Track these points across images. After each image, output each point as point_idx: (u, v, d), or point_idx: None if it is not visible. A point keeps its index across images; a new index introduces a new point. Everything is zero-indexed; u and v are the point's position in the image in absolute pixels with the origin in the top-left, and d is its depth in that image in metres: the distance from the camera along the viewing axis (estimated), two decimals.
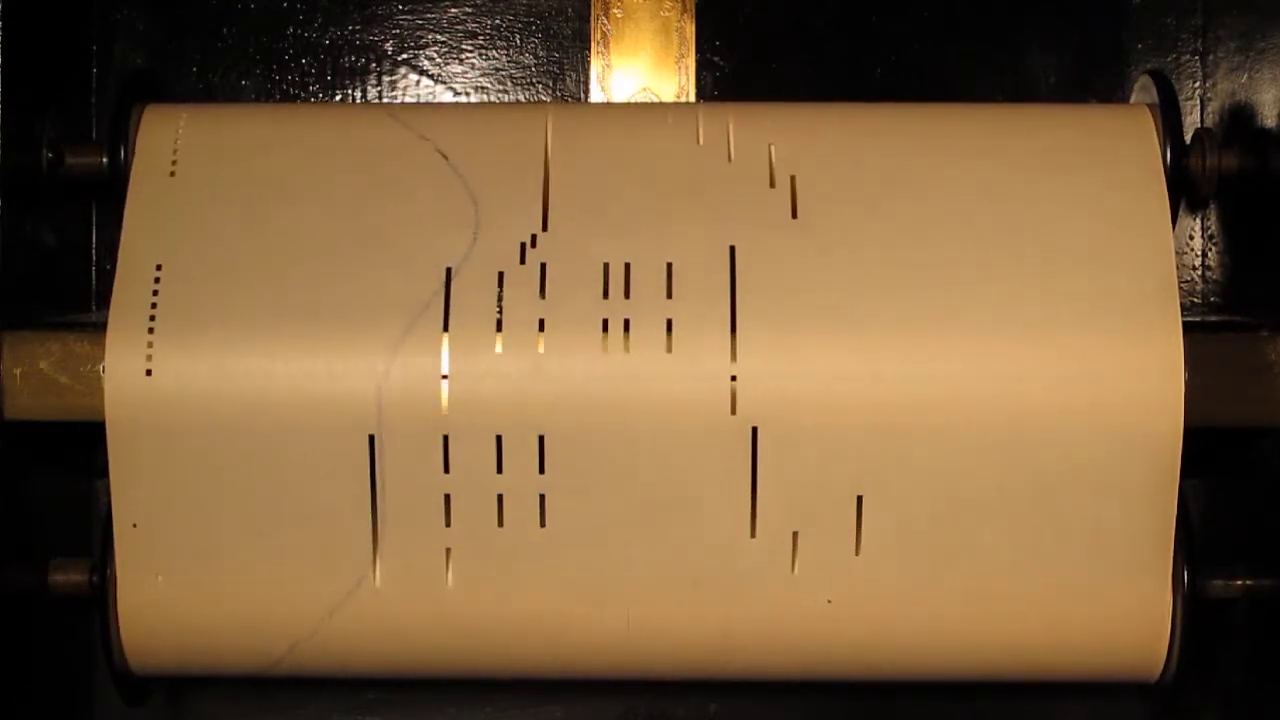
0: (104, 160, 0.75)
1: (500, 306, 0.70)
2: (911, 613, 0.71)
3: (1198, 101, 0.82)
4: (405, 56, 0.84)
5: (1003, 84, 0.83)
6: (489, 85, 0.84)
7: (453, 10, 0.84)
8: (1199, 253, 0.82)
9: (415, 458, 0.70)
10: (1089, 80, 0.83)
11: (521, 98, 0.84)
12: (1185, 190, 0.75)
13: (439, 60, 0.84)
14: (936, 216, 0.72)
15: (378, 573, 0.71)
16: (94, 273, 0.82)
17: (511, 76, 0.84)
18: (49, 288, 0.78)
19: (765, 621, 0.72)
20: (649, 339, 0.70)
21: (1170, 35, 0.83)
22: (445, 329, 0.70)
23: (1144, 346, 0.69)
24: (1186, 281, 0.82)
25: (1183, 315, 0.70)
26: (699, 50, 0.84)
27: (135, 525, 0.71)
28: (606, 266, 0.70)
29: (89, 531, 0.81)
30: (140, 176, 0.74)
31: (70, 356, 0.72)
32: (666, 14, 0.83)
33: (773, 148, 0.73)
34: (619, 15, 0.84)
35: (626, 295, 0.70)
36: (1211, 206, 0.81)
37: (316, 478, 0.70)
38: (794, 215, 0.72)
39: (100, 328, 0.71)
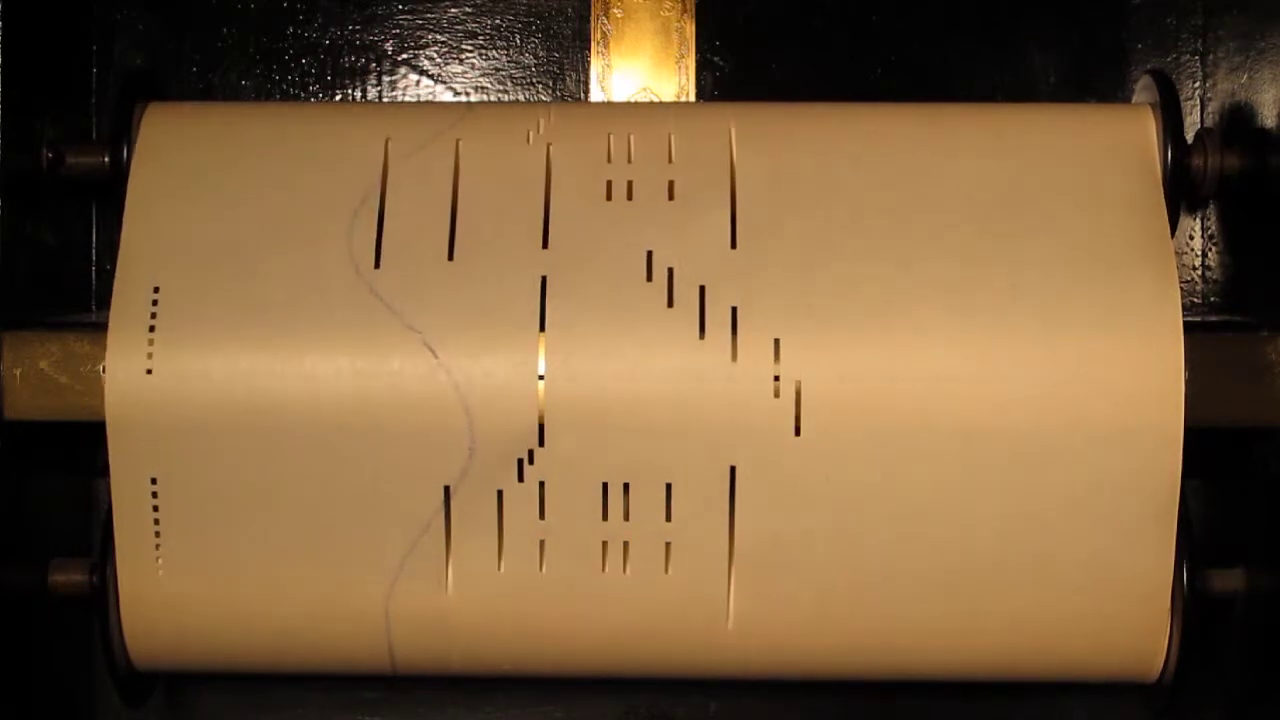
0: (105, 160, 0.75)
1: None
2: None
3: (1198, 101, 0.82)
4: (405, 56, 0.84)
5: (1003, 84, 0.83)
6: (489, 85, 0.84)
7: (453, 10, 0.84)
8: (1199, 253, 0.82)
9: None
10: (1089, 80, 0.83)
11: (521, 98, 0.84)
12: (1186, 190, 0.75)
13: (439, 60, 0.84)
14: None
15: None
16: (94, 273, 0.82)
17: (511, 76, 0.84)
18: (49, 288, 0.78)
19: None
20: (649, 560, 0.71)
21: (1170, 35, 0.83)
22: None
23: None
24: (1186, 281, 0.82)
25: (1183, 315, 0.70)
26: (699, 50, 0.84)
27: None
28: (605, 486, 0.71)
29: (89, 531, 0.81)
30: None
31: (70, 356, 0.72)
32: (666, 14, 0.83)
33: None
34: (619, 15, 0.84)
35: (626, 518, 0.71)
36: (1211, 206, 0.81)
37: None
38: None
39: (100, 328, 0.71)
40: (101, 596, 0.73)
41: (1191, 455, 0.70)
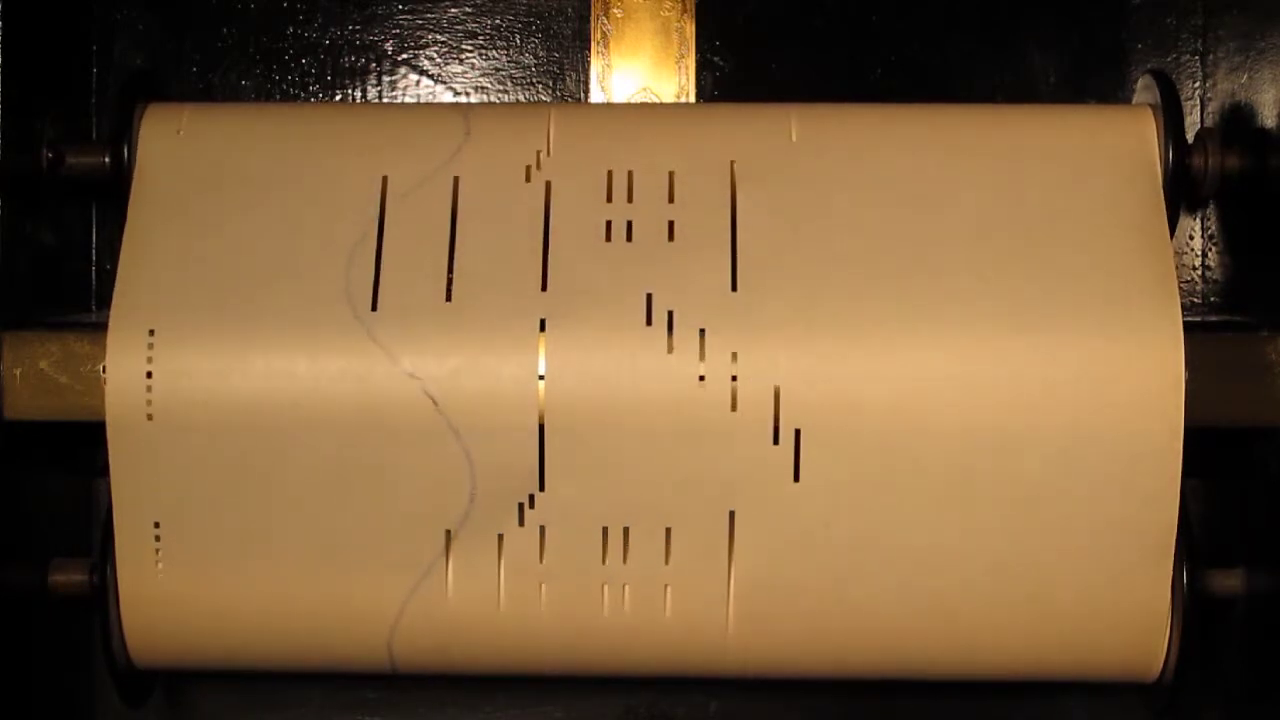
0: (105, 160, 0.75)
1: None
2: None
3: (1198, 101, 0.82)
4: (405, 56, 0.84)
5: (1003, 84, 0.83)
6: (489, 85, 0.84)
7: (453, 10, 0.84)
8: (1199, 253, 0.82)
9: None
10: (1089, 80, 0.83)
11: (521, 98, 0.84)
12: (1186, 190, 0.75)
13: (439, 60, 0.84)
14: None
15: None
16: (94, 273, 0.82)
17: (511, 76, 0.84)
18: (49, 288, 0.78)
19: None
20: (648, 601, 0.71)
21: (1170, 35, 0.83)
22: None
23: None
24: (1186, 281, 0.82)
25: (1183, 315, 0.70)
26: (699, 50, 0.84)
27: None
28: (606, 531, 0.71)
29: (89, 531, 0.81)
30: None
31: (70, 356, 0.72)
32: (666, 14, 0.83)
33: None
34: (619, 15, 0.84)
35: (625, 561, 0.71)
36: (1211, 206, 0.81)
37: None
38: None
39: (100, 328, 0.71)
40: (101, 596, 0.73)
41: (1191, 455, 0.70)
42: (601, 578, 0.71)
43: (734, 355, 0.70)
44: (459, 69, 0.84)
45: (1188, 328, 0.70)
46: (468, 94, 0.84)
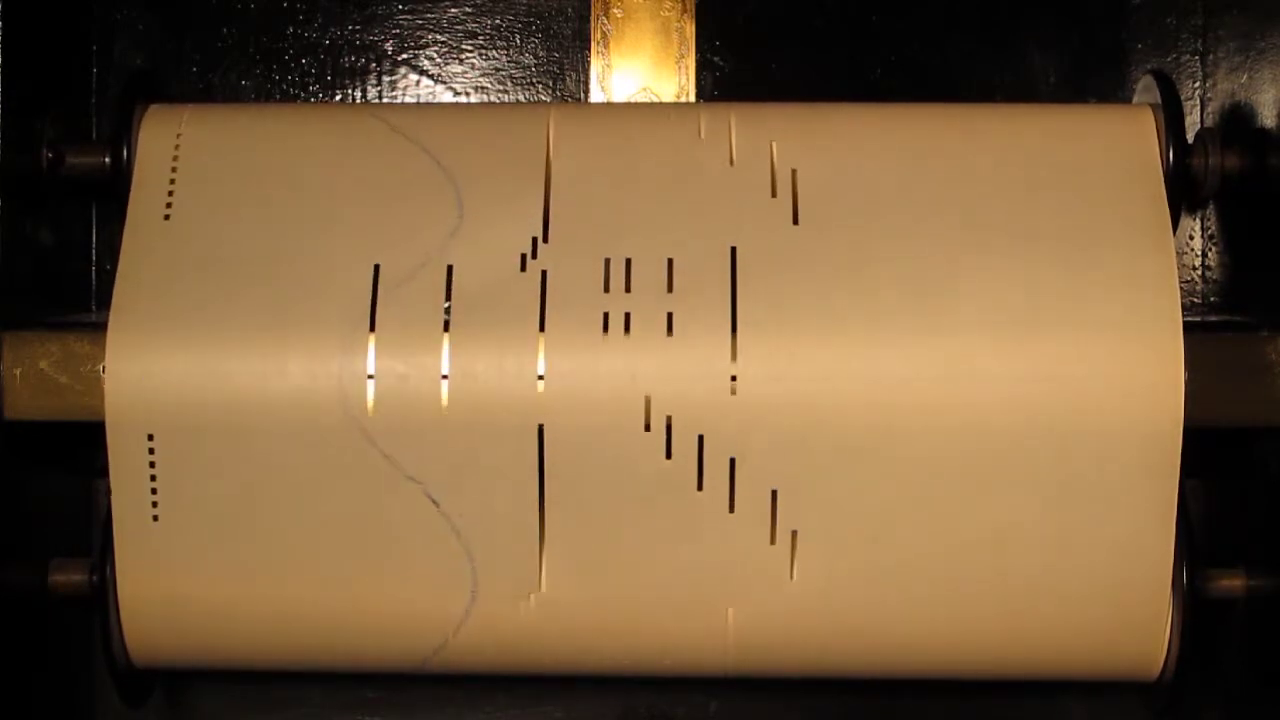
0: (105, 160, 0.75)
1: None
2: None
3: (1198, 101, 0.82)
4: (405, 56, 0.84)
5: (1003, 84, 0.83)
6: (489, 85, 0.84)
7: (453, 10, 0.84)
8: (1199, 253, 0.82)
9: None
10: (1089, 80, 0.83)
11: (521, 98, 0.84)
12: (1186, 190, 0.75)
13: (439, 60, 0.84)
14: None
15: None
16: (94, 273, 0.82)
17: (511, 76, 0.84)
18: (49, 288, 0.78)
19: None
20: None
21: (1170, 35, 0.83)
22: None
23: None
24: (1186, 281, 0.82)
25: (1183, 315, 0.70)
26: (699, 50, 0.84)
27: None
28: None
29: (89, 531, 0.81)
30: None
31: (70, 356, 0.72)
32: (666, 14, 0.83)
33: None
34: (619, 15, 0.84)
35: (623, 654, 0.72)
36: (1211, 206, 0.81)
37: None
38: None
39: (100, 328, 0.71)
40: (101, 596, 0.73)
41: (1191, 455, 0.70)
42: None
43: (731, 462, 0.70)
44: (459, 69, 0.84)
45: (1188, 328, 0.70)
46: (468, 94, 0.84)
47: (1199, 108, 0.82)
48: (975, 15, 0.84)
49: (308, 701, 0.84)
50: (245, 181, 0.73)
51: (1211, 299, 0.81)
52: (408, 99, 0.84)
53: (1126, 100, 0.82)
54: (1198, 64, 0.82)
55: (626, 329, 0.70)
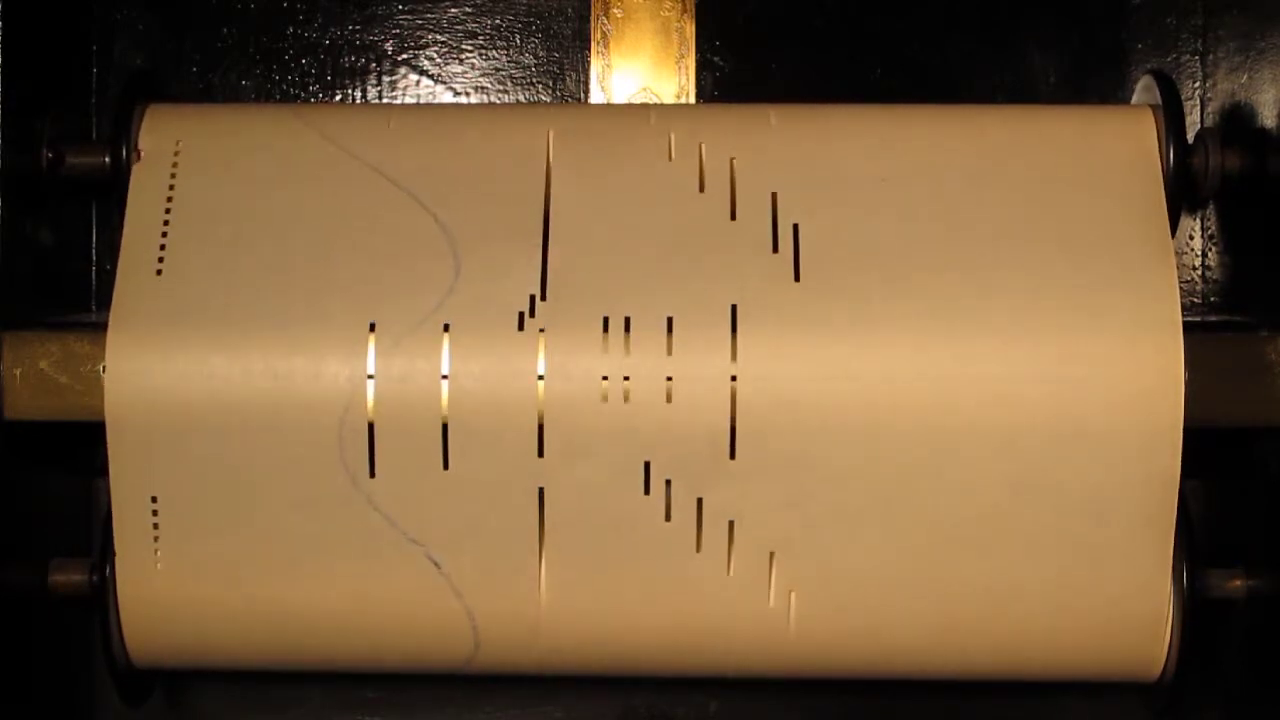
0: (105, 160, 0.75)
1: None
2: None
3: (1198, 101, 0.82)
4: (405, 56, 0.84)
5: (1003, 84, 0.83)
6: (489, 85, 0.84)
7: (453, 10, 0.84)
8: (1199, 253, 0.82)
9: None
10: (1089, 80, 0.83)
11: (521, 98, 0.84)
12: (1186, 190, 0.75)
13: (439, 60, 0.84)
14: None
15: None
16: (94, 273, 0.82)
17: (511, 76, 0.84)
18: (49, 288, 0.78)
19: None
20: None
21: (1170, 35, 0.83)
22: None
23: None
24: (1186, 281, 0.82)
25: (1183, 315, 0.70)
26: (699, 50, 0.84)
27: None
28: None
29: (89, 531, 0.81)
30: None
31: (70, 356, 0.72)
32: (666, 14, 0.83)
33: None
34: (619, 15, 0.84)
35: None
36: (1211, 206, 0.81)
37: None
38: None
39: (100, 328, 0.71)
40: (101, 596, 0.73)
41: (1191, 455, 0.70)
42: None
43: (730, 525, 0.70)
44: (459, 69, 0.84)
45: (1188, 328, 0.70)
46: (468, 94, 0.84)
47: (1199, 108, 0.82)
48: (975, 15, 0.84)
49: (308, 701, 0.84)
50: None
51: (1211, 299, 0.81)
52: (408, 99, 0.84)
53: (1126, 100, 0.82)
54: (1198, 64, 0.82)
55: (626, 396, 0.70)
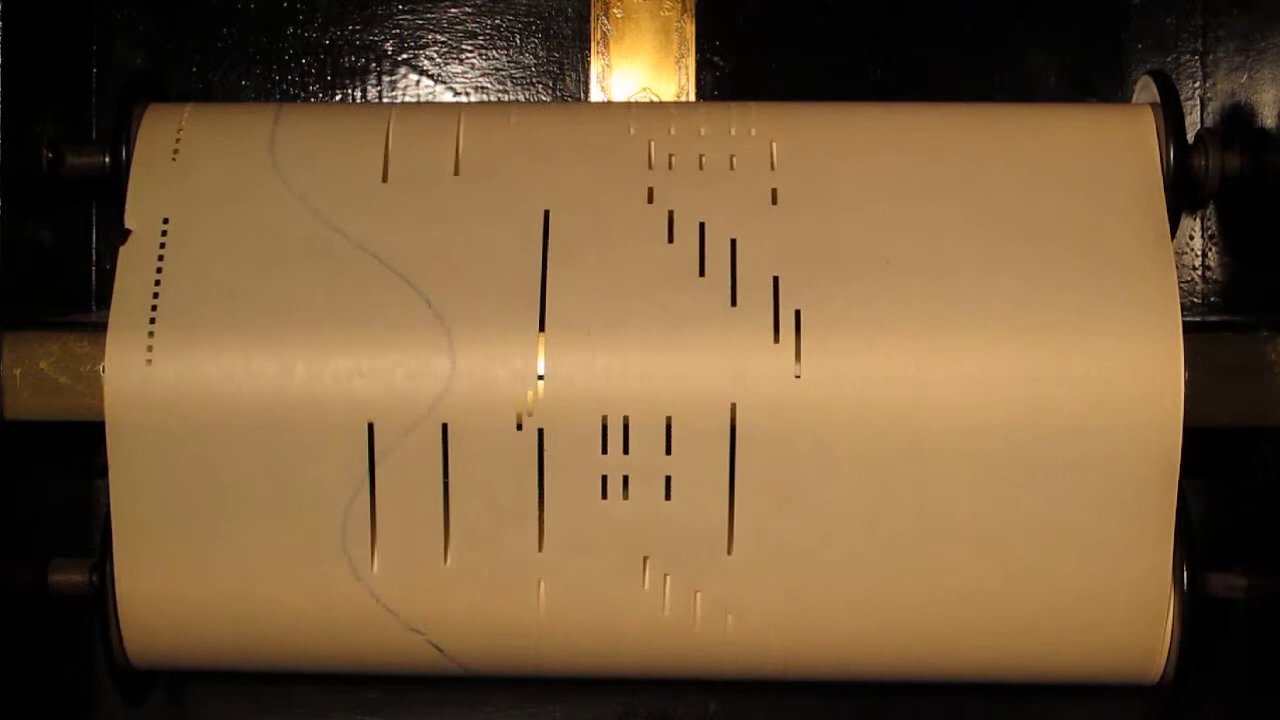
0: (105, 160, 0.75)
1: None
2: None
3: (1198, 101, 0.82)
4: (405, 56, 0.84)
5: (1003, 84, 0.83)
6: (489, 85, 0.84)
7: (453, 10, 0.84)
8: (1199, 253, 0.82)
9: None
10: (1089, 80, 0.83)
11: (521, 97, 0.84)
12: (1187, 190, 0.75)
13: (439, 60, 0.84)
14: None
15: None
16: (94, 273, 0.82)
17: (511, 76, 0.84)
18: (49, 288, 0.78)
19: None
20: None
21: (1170, 35, 0.83)
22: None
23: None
24: (1186, 281, 0.82)
25: (1183, 315, 0.70)
26: (699, 50, 0.84)
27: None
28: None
29: (89, 531, 0.81)
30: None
31: (70, 356, 0.72)
32: (666, 14, 0.83)
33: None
34: (619, 15, 0.84)
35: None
36: (1211, 206, 0.81)
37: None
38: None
39: (100, 328, 0.71)
40: (101, 596, 0.73)
41: (1191, 455, 0.70)
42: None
43: (727, 620, 0.71)
44: (459, 69, 0.84)
45: (1188, 328, 0.70)
46: (468, 94, 0.84)
47: (1199, 108, 0.82)
48: (975, 15, 0.84)
49: (308, 702, 0.84)
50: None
51: (1211, 299, 0.81)
52: (408, 99, 0.84)
53: (1126, 100, 0.82)
54: (1198, 64, 0.82)
55: (625, 493, 0.70)
